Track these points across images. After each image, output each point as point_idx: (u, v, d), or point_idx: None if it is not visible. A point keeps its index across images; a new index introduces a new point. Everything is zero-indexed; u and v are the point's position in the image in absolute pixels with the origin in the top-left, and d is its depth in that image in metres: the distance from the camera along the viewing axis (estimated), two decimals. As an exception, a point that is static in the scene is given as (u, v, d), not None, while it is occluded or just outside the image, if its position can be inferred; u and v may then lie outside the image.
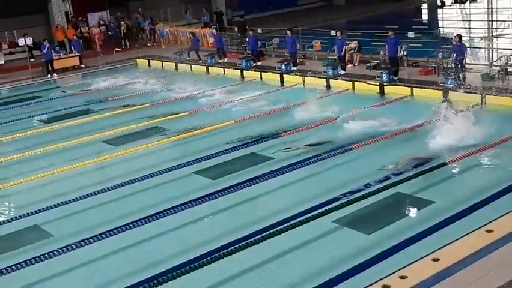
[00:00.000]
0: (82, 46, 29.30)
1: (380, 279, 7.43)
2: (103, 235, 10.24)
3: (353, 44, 22.20)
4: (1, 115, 20.40)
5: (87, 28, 32.75)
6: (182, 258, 9.22)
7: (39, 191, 12.96)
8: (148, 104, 19.94)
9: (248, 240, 9.57)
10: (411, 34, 21.73)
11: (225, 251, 9.30)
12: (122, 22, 32.59)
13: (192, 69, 25.85)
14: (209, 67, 25.25)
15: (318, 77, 20.50)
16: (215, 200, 11.48)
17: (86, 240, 10.08)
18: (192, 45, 27.39)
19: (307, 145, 14.29)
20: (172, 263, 9.13)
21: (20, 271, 9.33)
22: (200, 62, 25.91)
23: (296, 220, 10.20)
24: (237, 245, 9.43)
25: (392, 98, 18.34)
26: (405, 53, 20.85)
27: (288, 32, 23.03)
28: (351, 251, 9.17)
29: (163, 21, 34.69)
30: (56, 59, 27.41)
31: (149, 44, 32.37)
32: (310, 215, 10.35)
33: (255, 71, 23.40)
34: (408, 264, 7.76)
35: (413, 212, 10.50)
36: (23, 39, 27.46)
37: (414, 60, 21.19)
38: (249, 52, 25.44)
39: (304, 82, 21.22)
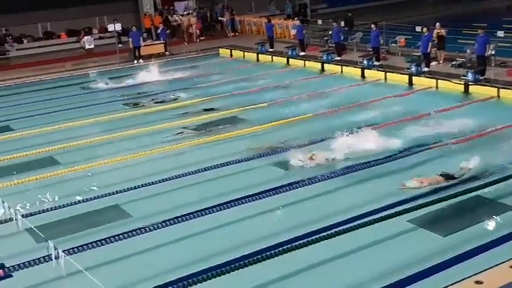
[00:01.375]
0: (168, 34, 30.03)
1: (454, 283, 7.29)
2: (178, 219, 10.56)
3: (438, 30, 21.50)
4: (90, 97, 21.22)
5: (175, 17, 33.41)
6: (252, 248, 9.38)
7: (122, 172, 13.44)
8: (227, 94, 20.23)
9: (317, 236, 9.57)
10: (500, 33, 20.96)
11: (293, 244, 9.36)
12: (208, 12, 33.10)
13: (272, 60, 25.97)
14: (290, 59, 25.28)
15: (400, 73, 20.19)
16: (286, 193, 11.53)
17: (164, 223, 10.42)
18: (266, 32, 27.73)
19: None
20: (244, 251, 9.28)
21: (100, 248, 9.75)
22: (271, 51, 26.02)
23: (370, 218, 10.13)
24: (305, 240, 9.45)
25: (476, 98, 17.81)
26: (493, 52, 20.15)
27: (373, 25, 22.72)
28: (425, 252, 9.01)
29: (248, 12, 35.00)
30: (143, 46, 28.25)
31: (229, 35, 32.71)
32: (385, 213, 10.24)
33: (335, 64, 23.25)
34: (485, 270, 7.57)
35: (492, 217, 10.17)
36: (113, 25, 28.48)
37: (502, 60, 20.46)
38: (331, 45, 25.33)
39: (386, 78, 20.92)
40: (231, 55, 28.10)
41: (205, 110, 18.26)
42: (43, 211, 11.34)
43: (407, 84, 20.02)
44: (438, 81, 19.44)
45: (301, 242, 9.42)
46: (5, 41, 30.54)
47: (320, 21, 29.03)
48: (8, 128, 17.74)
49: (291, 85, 21.15)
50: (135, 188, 12.22)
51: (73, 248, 9.45)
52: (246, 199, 11.24)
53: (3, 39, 30.54)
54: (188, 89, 21.41)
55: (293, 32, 28.82)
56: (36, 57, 29.80)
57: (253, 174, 12.82)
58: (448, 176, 11.60)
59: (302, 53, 25.62)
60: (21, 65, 28.10)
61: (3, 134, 17.08)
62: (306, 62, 24.44)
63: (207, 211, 10.83)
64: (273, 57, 26.12)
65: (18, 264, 9.23)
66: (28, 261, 9.26)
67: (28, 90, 22.72)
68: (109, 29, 29.35)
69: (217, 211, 10.86)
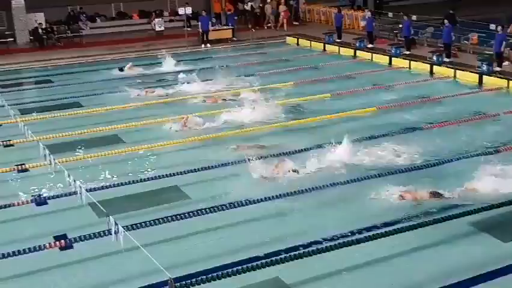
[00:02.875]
0: (235, 20, 30.23)
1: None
2: (235, 203, 10.70)
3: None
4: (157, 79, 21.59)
5: (250, 3, 33.08)
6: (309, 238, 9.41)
7: (183, 155, 13.67)
8: (291, 83, 20.22)
9: (379, 231, 9.51)
10: None
11: (354, 238, 9.35)
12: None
13: (339, 51, 25.75)
14: (357, 50, 25.01)
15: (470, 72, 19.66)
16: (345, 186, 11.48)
17: (219, 207, 10.60)
18: (335, 22, 27.51)
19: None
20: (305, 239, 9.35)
21: (158, 226, 10.00)
22: (338, 42, 25.76)
23: (431, 218, 9.97)
24: (366, 235, 9.41)
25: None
26: None
27: (446, 21, 22.16)
28: (485, 257, 8.81)
29: (318, 2, 34.72)
30: (212, 30, 28.54)
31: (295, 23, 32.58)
32: (446, 214, 10.05)
33: (404, 58, 22.83)
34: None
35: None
36: (183, 9, 28.90)
37: None
38: (401, 39, 24.88)
39: (455, 75, 20.42)
40: (298, 43, 28.01)
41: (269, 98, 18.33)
42: (106, 187, 11.72)
43: (477, 84, 19.48)
44: (510, 82, 18.82)
45: (362, 236, 9.41)
46: (80, 20, 31.47)
47: (390, 14, 28.53)
48: (78, 104, 18.32)
49: (357, 77, 20.94)
50: (195, 170, 12.39)
51: (132, 225, 9.73)
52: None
53: (77, 18, 31.47)
54: (252, 75, 21.50)
55: (362, 23, 28.45)
56: (108, 37, 30.60)
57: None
58: (436, 194, 10.85)
59: (370, 46, 25.27)
60: (94, 44, 28.92)
61: (72, 109, 17.65)
62: (374, 54, 24.10)
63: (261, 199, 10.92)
64: (340, 48, 25.88)
65: (79, 237, 9.58)
66: (89, 234, 9.60)
67: (99, 69, 23.35)
68: (180, 13, 29.81)
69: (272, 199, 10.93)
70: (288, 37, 28.96)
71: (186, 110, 16.77)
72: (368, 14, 26.56)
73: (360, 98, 18.01)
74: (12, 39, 29.10)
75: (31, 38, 29.11)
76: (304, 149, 13.36)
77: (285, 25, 31.43)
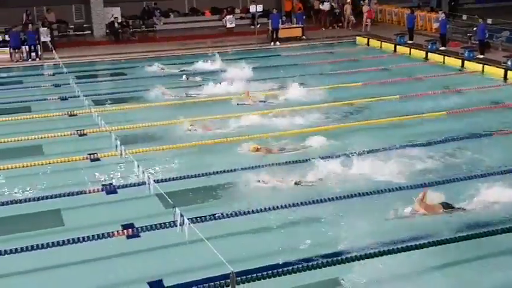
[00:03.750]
0: (304, 19, 30.22)
1: None
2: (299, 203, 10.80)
3: None
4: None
5: (326, 4, 32.84)
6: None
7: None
8: (359, 83, 20.07)
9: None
10: None
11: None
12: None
13: (410, 52, 25.34)
14: (429, 53, 24.53)
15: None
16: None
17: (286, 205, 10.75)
18: (407, 23, 27.05)
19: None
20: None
21: (222, 220, 10.22)
22: (410, 43, 25.30)
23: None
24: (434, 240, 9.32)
25: None
26: None
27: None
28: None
29: (390, 2, 34.24)
30: (281, 28, 28.65)
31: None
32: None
33: (477, 62, 22.24)
34: None
35: None
36: (254, 6, 29.15)
37: None
38: (474, 42, 24.25)
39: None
40: (368, 44, 27.75)
41: (336, 97, 18.28)
42: (173, 179, 11.98)
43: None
44: None
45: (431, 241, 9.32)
46: (154, 15, 32.25)
47: (464, 17, 27.84)
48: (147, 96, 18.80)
49: (427, 80, 20.57)
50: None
51: (196, 217, 9.96)
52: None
53: (152, 13, 32.26)
54: (320, 75, 21.47)
55: (435, 25, 27.88)
56: (180, 32, 31.21)
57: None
58: (448, 206, 10.39)
59: (442, 48, 24.75)
60: (166, 39, 29.59)
61: (143, 102, 18.17)
62: (446, 57, 23.59)
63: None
64: (411, 49, 25.46)
65: (146, 226, 9.91)
66: (155, 224, 9.91)
67: (169, 63, 23.85)
68: (251, 10, 30.07)
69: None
70: (358, 37, 28.71)
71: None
72: (441, 15, 25.98)
73: (430, 101, 17.70)
74: (89, 32, 30.19)
75: (107, 31, 30.09)
76: (369, 151, 13.29)
77: (368, 26, 30.26)
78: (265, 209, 10.57)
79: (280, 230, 10.08)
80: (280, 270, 8.39)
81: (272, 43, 28.13)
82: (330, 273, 8.53)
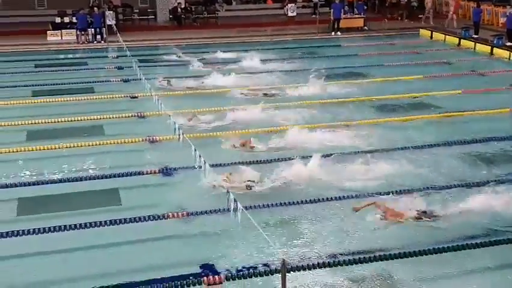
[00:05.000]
0: (365, 9, 29.83)
1: None
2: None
3: None
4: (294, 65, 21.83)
5: None
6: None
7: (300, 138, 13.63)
8: (421, 76, 19.70)
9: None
10: None
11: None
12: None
13: (475, 47, 24.65)
14: (494, 48, 23.79)
15: None
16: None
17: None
18: (472, 17, 26.36)
19: None
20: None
21: (275, 208, 10.26)
22: (475, 38, 24.58)
23: None
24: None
25: None
26: None
27: None
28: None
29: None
30: (343, 18, 28.38)
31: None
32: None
33: (546, 60, 21.51)
34: None
35: None
36: (317, -5, 29.02)
37: None
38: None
39: None
40: (431, 37, 27.16)
41: (394, 90, 18.03)
42: (227, 164, 11.96)
43: None
44: None
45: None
46: (216, 1, 32.49)
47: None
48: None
49: (491, 75, 20.02)
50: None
51: (250, 206, 9.99)
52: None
53: (214, 0, 32.53)
54: (379, 66, 21.20)
55: (502, 19, 27.00)
56: (242, 20, 31.35)
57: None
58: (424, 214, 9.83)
59: (509, 44, 23.97)
60: (228, 26, 29.80)
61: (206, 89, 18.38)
62: (513, 53, 22.90)
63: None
64: (476, 44, 24.77)
65: (200, 211, 10.03)
66: (210, 210, 10.03)
67: (230, 50, 24.02)
68: (313, -1, 29.96)
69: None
70: (421, 29, 28.15)
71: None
72: (509, 10, 25.13)
73: (494, 97, 17.21)
74: (153, 16, 30.69)
75: (170, 16, 30.53)
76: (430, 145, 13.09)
77: (454, 21, 28.20)
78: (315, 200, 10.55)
79: (333, 221, 10.06)
80: (332, 261, 8.35)
81: (333, 33, 27.93)
82: (377, 268, 8.46)
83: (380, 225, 9.62)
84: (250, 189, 10.86)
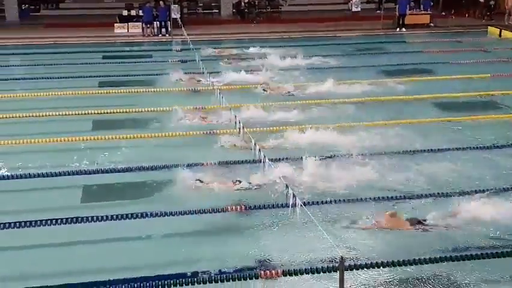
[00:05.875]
0: (431, 6, 29.16)
1: None
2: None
3: None
4: (343, 61, 21.58)
5: None
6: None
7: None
8: (488, 75, 19.11)
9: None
10: None
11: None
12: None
13: (545, 46, 23.77)
14: None
15: None
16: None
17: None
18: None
19: None
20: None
21: (334, 205, 10.20)
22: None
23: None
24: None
25: None
26: None
27: None
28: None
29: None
30: (409, 14, 27.85)
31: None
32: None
33: None
34: None
35: None
36: (382, -10, 28.58)
37: None
38: None
39: None
40: (500, 35, 26.29)
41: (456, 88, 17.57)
42: (286, 159, 11.87)
43: None
44: None
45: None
46: (280, -4, 32.55)
47: None
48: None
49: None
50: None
51: (308, 202, 9.96)
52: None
53: (278, -6, 32.59)
54: (444, 63, 20.69)
55: None
56: (305, 14, 31.22)
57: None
58: (417, 221, 9.44)
59: None
60: (290, 21, 29.74)
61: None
62: None
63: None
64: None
65: (259, 205, 10.07)
66: (268, 204, 10.06)
67: (293, 45, 23.95)
68: (379, -6, 29.50)
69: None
70: (489, 27, 27.30)
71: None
72: None
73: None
74: (217, 10, 30.98)
75: (234, 11, 30.72)
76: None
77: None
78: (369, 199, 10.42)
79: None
80: (391, 260, 8.23)
81: (398, 29, 27.46)
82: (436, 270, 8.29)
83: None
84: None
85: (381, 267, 8.13)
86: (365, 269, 8.08)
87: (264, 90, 17.36)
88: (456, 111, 15.56)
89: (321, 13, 31.60)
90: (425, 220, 9.49)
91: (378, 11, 30.08)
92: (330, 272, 7.86)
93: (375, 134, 13.43)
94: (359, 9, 31.03)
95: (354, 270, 7.96)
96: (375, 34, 26.78)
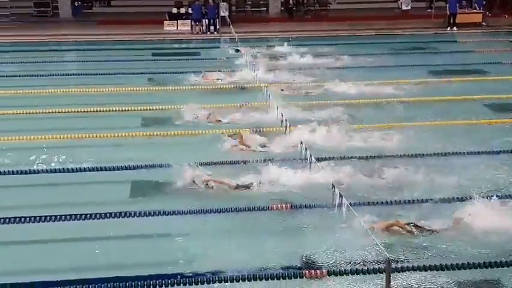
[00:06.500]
0: (484, 4, 28.51)
1: None
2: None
3: None
4: (392, 59, 21.30)
5: None
6: None
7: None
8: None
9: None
10: None
11: None
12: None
13: None
14: None
15: None
16: None
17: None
18: None
19: None
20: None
21: (379, 207, 10.09)
22: None
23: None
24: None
25: None
26: None
27: None
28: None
29: None
30: (459, 13, 27.31)
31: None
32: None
33: None
34: None
35: None
36: (432, -11, 28.10)
37: None
38: None
39: None
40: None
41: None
42: (331, 159, 11.72)
43: None
44: None
45: None
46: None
47: None
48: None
49: None
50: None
51: (351, 203, 9.90)
52: None
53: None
54: (497, 63, 20.19)
55: None
56: (353, 13, 30.96)
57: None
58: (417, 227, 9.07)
59: None
60: (337, 19, 29.54)
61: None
62: None
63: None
64: None
65: (304, 204, 10.01)
66: (313, 203, 10.02)
67: (341, 43, 23.80)
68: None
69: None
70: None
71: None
72: None
73: None
74: (265, 8, 31.03)
75: (282, 8, 30.72)
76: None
77: None
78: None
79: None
80: (439, 264, 8.10)
81: (448, 28, 26.96)
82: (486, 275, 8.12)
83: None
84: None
85: (429, 270, 8.01)
86: (412, 272, 7.97)
87: (306, 93, 17.09)
88: (509, 112, 15.19)
89: (370, 11, 31.29)
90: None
91: (429, 10, 29.60)
92: (376, 273, 7.80)
93: (423, 134, 13.25)
94: (409, 7, 30.61)
95: (400, 272, 7.87)
96: (425, 33, 26.37)
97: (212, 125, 14.20)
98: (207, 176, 10.91)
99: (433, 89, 17.23)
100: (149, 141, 13.23)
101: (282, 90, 17.05)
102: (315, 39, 25.01)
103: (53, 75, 19.14)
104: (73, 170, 11.51)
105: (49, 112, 15.08)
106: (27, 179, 11.26)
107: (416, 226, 9.16)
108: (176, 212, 9.76)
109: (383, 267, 7.36)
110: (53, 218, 9.46)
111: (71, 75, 20.07)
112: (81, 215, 9.55)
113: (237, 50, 21.45)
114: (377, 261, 8.13)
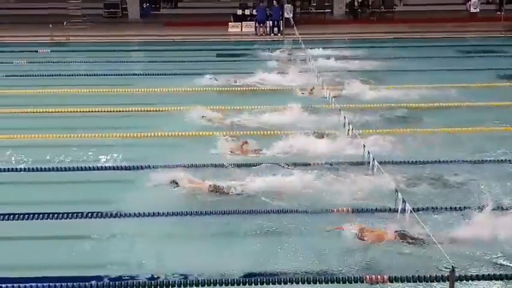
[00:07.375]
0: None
1: None
2: None
3: None
4: (455, 62, 20.74)
5: None
6: None
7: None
8: None
9: None
10: None
11: None
12: None
13: None
14: None
15: None
16: None
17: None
18: None
19: None
20: None
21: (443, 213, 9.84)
22: None
23: None
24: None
25: None
26: None
27: None
28: None
29: None
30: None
31: None
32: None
33: None
34: None
35: None
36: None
37: None
38: None
39: None
40: None
41: None
42: (393, 163, 11.60)
43: None
44: None
45: None
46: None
47: None
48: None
49: None
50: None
51: (416, 209, 9.62)
52: None
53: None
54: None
55: None
56: (420, 15, 30.40)
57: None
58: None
59: None
60: (405, 20, 29.08)
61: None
62: None
63: None
64: None
65: (363, 208, 9.87)
66: (375, 208, 9.83)
67: (405, 45, 23.38)
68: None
69: None
70: None
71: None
72: None
73: None
74: (329, 10, 30.86)
75: (346, 10, 30.48)
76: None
77: None
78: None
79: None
80: (505, 274, 7.86)
81: (518, 32, 26.10)
82: None
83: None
84: None
85: (494, 280, 7.77)
86: (476, 281, 7.75)
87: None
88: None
89: (437, 13, 30.62)
90: None
91: (498, 12, 28.68)
92: (439, 281, 7.62)
93: (487, 140, 12.92)
94: (477, 10, 29.78)
95: (464, 281, 7.66)
96: (493, 36, 25.59)
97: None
98: None
99: (501, 93, 16.68)
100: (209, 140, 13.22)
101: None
102: (380, 41, 24.69)
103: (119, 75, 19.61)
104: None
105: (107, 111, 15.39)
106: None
107: None
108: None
109: (446, 274, 7.17)
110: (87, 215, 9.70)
111: (137, 75, 20.37)
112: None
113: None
114: (440, 269, 7.94)
